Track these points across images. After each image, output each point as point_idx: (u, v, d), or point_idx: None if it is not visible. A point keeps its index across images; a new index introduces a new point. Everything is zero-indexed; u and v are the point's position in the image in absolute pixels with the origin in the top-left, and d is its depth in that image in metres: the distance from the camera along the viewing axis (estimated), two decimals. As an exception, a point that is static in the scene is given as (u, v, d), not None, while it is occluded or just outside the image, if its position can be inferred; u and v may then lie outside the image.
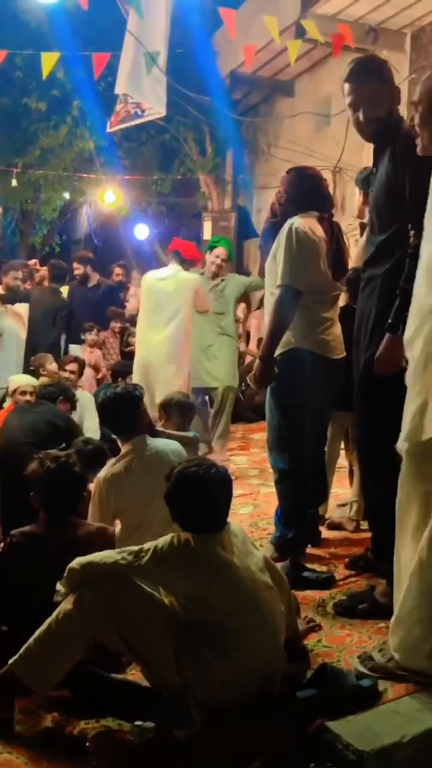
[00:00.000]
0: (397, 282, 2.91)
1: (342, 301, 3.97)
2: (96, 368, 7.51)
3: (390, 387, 2.83)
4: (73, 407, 5.31)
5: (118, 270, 9.63)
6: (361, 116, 3.16)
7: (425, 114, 2.63)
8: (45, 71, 7.73)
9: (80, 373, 6.63)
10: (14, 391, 5.80)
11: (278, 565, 2.97)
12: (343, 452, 4.66)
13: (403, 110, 3.30)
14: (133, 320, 8.44)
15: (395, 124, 3.14)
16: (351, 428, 4.21)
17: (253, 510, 4.85)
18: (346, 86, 3.20)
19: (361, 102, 3.15)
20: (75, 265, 8.19)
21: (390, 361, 2.93)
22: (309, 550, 3.92)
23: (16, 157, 11.51)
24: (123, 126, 9.48)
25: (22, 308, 8.03)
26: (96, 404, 3.78)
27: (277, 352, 3.71)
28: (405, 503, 2.61)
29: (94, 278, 8.15)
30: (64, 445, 3.90)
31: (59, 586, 2.53)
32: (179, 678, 2.44)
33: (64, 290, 8.28)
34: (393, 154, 3.05)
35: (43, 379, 6.66)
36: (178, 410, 4.45)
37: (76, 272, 8.12)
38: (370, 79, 3.16)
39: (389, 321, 2.92)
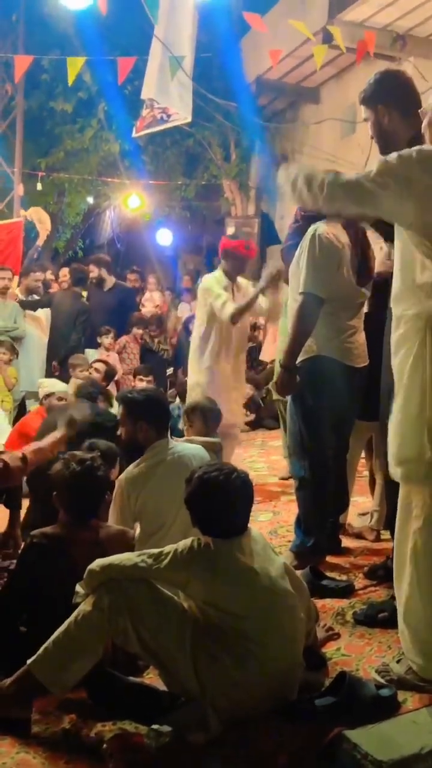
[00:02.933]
0: None
1: (366, 308, 3.96)
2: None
3: None
4: (111, 406, 5.36)
5: (131, 276, 9.69)
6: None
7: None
8: (71, 76, 7.81)
9: (106, 379, 6.66)
10: (49, 395, 5.86)
11: (298, 572, 2.97)
12: (364, 461, 4.65)
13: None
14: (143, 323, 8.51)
15: (399, 142, 3.14)
16: (375, 436, 4.20)
17: (273, 517, 4.85)
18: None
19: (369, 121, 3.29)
20: (90, 267, 8.24)
21: None
22: (329, 558, 3.92)
23: (41, 159, 11.61)
24: (149, 131, 9.55)
25: (43, 313, 8.12)
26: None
27: (300, 359, 3.71)
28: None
29: (110, 281, 8.18)
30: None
31: (79, 588, 2.55)
32: (197, 682, 2.44)
33: (84, 294, 8.34)
34: None
35: (76, 382, 6.73)
36: (202, 416, 4.44)
37: (91, 275, 8.16)
38: (365, 103, 3.27)
39: None
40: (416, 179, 2.48)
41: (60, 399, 5.87)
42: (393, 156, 2.52)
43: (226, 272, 5.35)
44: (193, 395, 5.25)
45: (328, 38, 8.47)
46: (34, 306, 8.05)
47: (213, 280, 5.34)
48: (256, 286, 5.28)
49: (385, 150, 3.28)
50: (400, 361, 2.61)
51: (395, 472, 2.63)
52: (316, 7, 9.10)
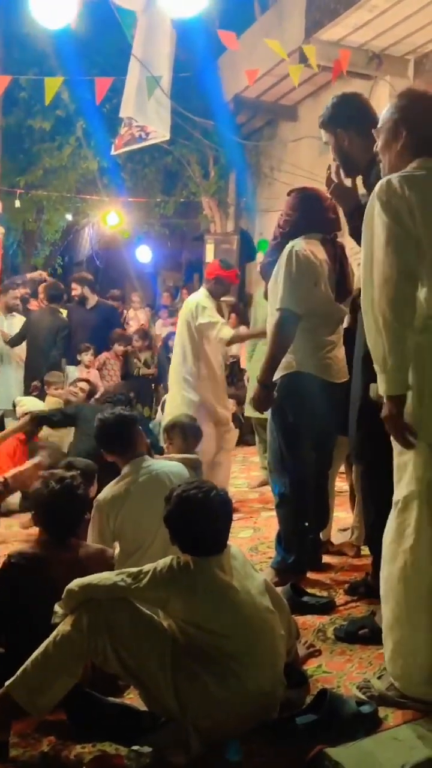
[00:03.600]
0: None
1: (346, 323, 3.98)
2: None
3: None
4: None
5: (114, 294, 9.67)
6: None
7: (385, 142, 2.71)
8: (48, 96, 7.80)
9: (88, 397, 6.64)
10: (26, 415, 5.83)
11: (278, 589, 2.97)
12: (345, 476, 4.66)
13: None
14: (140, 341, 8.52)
15: (360, 163, 3.30)
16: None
17: (254, 534, 4.85)
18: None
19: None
20: (73, 285, 8.21)
21: None
22: (309, 574, 3.92)
23: (19, 177, 11.61)
24: (127, 149, 9.57)
25: (17, 328, 8.09)
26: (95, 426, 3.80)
27: (278, 375, 3.73)
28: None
29: (93, 300, 8.17)
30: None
31: (57, 608, 2.53)
32: (177, 702, 2.42)
33: (64, 312, 8.32)
34: (365, 184, 3.25)
35: (51, 399, 6.73)
36: (182, 433, 4.45)
37: (73, 293, 8.14)
38: (325, 126, 3.43)
39: None
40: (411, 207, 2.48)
41: None
42: (383, 218, 2.51)
43: (212, 293, 5.56)
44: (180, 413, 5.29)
45: (304, 58, 8.56)
46: (20, 341, 8.00)
47: (205, 300, 5.50)
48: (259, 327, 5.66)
49: (347, 171, 3.36)
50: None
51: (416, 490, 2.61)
52: (292, 26, 9.20)
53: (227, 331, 5.38)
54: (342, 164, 3.36)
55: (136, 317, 9.95)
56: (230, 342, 5.50)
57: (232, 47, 7.85)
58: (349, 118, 3.33)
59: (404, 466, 2.61)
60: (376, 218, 2.52)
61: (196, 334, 5.45)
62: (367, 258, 2.57)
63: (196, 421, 4.71)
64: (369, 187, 3.19)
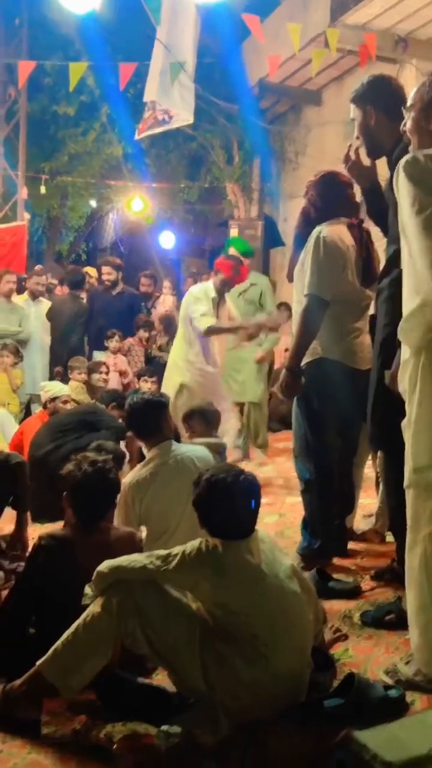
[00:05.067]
0: (400, 292, 2.95)
1: (372, 310, 3.97)
2: (123, 374, 7.58)
3: (403, 402, 2.86)
4: None
5: (144, 280, 9.69)
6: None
7: (416, 121, 2.70)
8: (72, 82, 7.85)
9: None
10: (54, 399, 5.90)
11: (305, 574, 2.99)
12: (370, 462, 4.66)
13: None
14: (160, 326, 8.54)
15: (385, 143, 3.30)
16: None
17: (279, 519, 4.87)
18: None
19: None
20: (106, 269, 8.23)
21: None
22: (335, 560, 3.93)
23: (44, 163, 11.64)
24: (150, 132, 9.60)
25: (45, 307, 8.18)
26: (124, 409, 3.86)
27: (305, 361, 3.73)
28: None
29: (120, 286, 8.22)
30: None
31: (87, 589, 2.57)
32: (205, 684, 2.45)
33: (84, 298, 8.37)
34: (389, 164, 3.22)
35: (74, 384, 6.78)
36: (202, 419, 4.46)
37: (107, 277, 8.17)
38: (354, 102, 3.43)
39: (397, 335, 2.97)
40: None
41: (65, 402, 5.92)
42: (413, 191, 2.51)
43: (215, 286, 5.71)
44: (180, 397, 5.43)
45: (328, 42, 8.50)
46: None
47: (202, 292, 5.67)
48: (242, 321, 5.87)
49: (370, 151, 3.37)
50: (411, 370, 2.60)
51: (409, 477, 2.62)
52: (318, 10, 9.11)
53: (204, 322, 5.48)
54: (366, 143, 3.39)
55: (164, 302, 9.96)
56: (207, 333, 5.56)
57: (256, 32, 7.82)
58: (380, 98, 3.35)
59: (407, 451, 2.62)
60: (402, 190, 2.51)
61: (189, 324, 5.64)
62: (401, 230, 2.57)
63: (213, 405, 4.74)
64: (393, 169, 3.17)
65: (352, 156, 3.45)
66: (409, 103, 2.75)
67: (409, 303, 2.55)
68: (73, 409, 5.82)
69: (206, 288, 5.74)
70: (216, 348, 5.86)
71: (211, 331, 5.56)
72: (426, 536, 2.58)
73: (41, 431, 5.44)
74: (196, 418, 4.47)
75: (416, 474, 2.58)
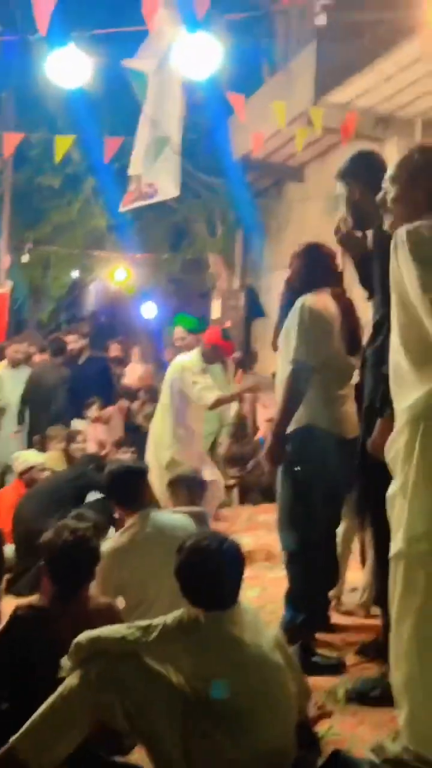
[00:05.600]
0: (383, 362, 3.01)
1: (356, 378, 4.02)
2: (101, 445, 7.55)
3: (388, 471, 2.89)
4: None
5: (114, 346, 9.81)
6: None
7: (403, 191, 2.79)
8: (58, 154, 8.03)
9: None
10: (30, 469, 5.87)
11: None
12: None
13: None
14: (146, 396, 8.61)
15: (372, 217, 3.33)
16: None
17: (261, 593, 4.80)
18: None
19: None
20: (73, 338, 8.39)
21: (383, 445, 2.99)
22: (319, 635, 3.87)
23: (28, 232, 11.83)
24: (135, 205, 9.76)
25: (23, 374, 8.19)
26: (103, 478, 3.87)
27: (290, 429, 3.74)
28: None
29: (87, 352, 8.33)
30: None
31: (65, 661, 2.51)
32: (186, 762, 2.39)
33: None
34: (374, 234, 3.33)
35: (54, 455, 6.75)
36: (186, 488, 4.47)
37: (73, 346, 8.31)
38: (340, 178, 3.57)
39: (377, 405, 3.02)
40: None
41: (41, 470, 5.90)
42: (413, 264, 2.56)
43: (204, 357, 5.77)
44: (172, 471, 5.34)
45: (311, 120, 8.80)
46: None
47: (190, 363, 5.71)
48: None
49: (357, 223, 3.49)
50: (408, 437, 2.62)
51: (400, 547, 2.60)
52: (302, 89, 9.47)
53: (210, 395, 5.53)
54: (353, 216, 3.49)
55: (133, 369, 10.08)
56: (213, 406, 5.63)
57: (239, 111, 8.08)
58: (364, 173, 3.47)
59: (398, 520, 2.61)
60: (402, 264, 2.57)
61: (176, 395, 5.63)
62: (397, 301, 2.63)
63: (199, 474, 4.75)
64: (377, 241, 3.27)
65: (343, 227, 3.56)
66: (391, 174, 2.84)
67: (408, 369, 2.58)
68: (60, 475, 5.76)
69: (196, 358, 5.76)
70: (199, 424, 5.88)
71: (220, 402, 5.65)
72: (418, 608, 2.55)
73: (29, 503, 5.34)
74: (181, 486, 4.47)
75: (409, 544, 2.55)
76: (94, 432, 7.51)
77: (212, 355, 5.83)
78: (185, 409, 5.63)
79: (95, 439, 7.40)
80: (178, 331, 6.59)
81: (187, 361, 5.75)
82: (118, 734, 2.59)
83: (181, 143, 9.20)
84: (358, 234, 3.62)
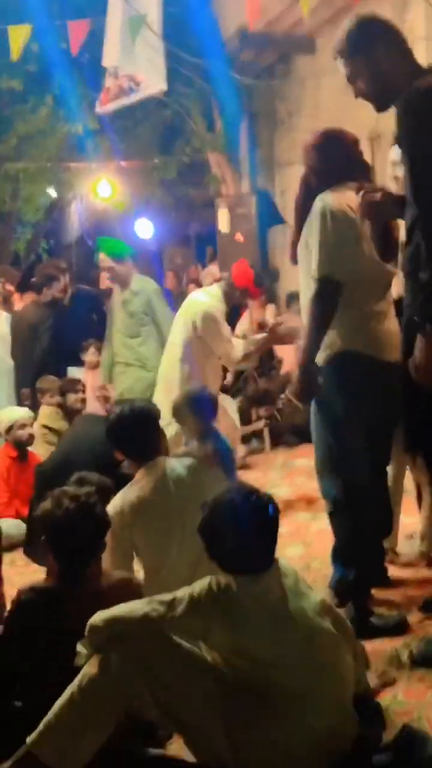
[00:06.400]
0: (420, 268, 3.01)
1: (395, 291, 3.99)
2: (105, 398, 7.59)
3: None
4: None
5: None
6: (356, 92, 3.50)
7: None
8: (14, 49, 7.85)
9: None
10: (9, 428, 5.97)
11: (339, 611, 3.01)
12: (409, 474, 4.68)
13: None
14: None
15: (401, 83, 3.28)
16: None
17: (304, 550, 4.89)
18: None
19: (350, 79, 3.49)
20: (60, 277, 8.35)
21: (428, 367, 3.01)
22: (375, 592, 3.95)
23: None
24: (116, 105, 9.62)
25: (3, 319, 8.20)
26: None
27: (321, 357, 3.75)
28: None
29: (69, 289, 8.33)
30: None
31: (80, 648, 2.58)
32: (230, 748, 2.47)
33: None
34: (397, 120, 3.25)
35: (47, 410, 6.82)
36: (193, 410, 4.36)
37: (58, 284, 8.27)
38: (352, 54, 3.41)
39: (416, 319, 3.02)
40: None
41: (22, 427, 5.99)
42: None
43: (227, 298, 5.73)
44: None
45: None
46: None
47: (216, 310, 5.63)
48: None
49: (381, 101, 3.40)
50: None
51: None
52: None
53: (237, 350, 5.61)
54: (375, 94, 3.40)
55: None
56: (243, 361, 5.77)
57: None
58: (382, 35, 3.37)
59: None
60: None
61: (195, 342, 5.61)
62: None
63: (205, 390, 4.73)
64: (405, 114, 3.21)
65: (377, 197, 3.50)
66: None
67: None
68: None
69: (217, 300, 5.71)
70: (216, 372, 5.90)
71: (247, 358, 5.75)
72: None
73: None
74: (187, 409, 4.35)
75: None
76: (93, 380, 7.55)
77: (237, 299, 5.84)
78: (204, 361, 5.64)
79: (94, 389, 7.42)
80: (102, 259, 6.48)
81: (212, 307, 5.66)
82: (150, 724, 2.68)
83: (163, 21, 9.02)
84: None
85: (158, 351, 6.26)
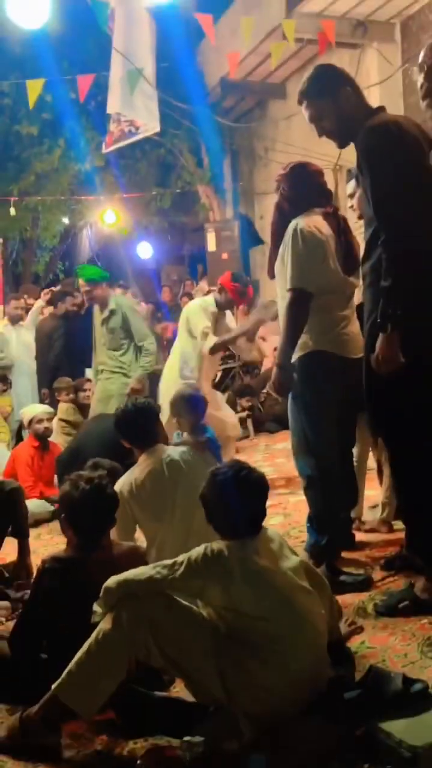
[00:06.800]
0: (381, 278, 3.02)
1: (357, 298, 3.99)
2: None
3: (395, 385, 3.03)
4: None
5: (117, 290, 9.75)
6: (319, 131, 3.48)
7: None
8: (31, 99, 7.83)
9: None
10: (30, 422, 5.97)
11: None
12: (371, 452, 4.68)
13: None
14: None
15: (359, 121, 3.27)
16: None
17: (284, 519, 4.89)
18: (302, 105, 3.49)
19: (314, 119, 3.47)
20: (72, 297, 8.31)
21: (387, 360, 3.02)
22: (344, 553, 3.95)
23: (12, 185, 11.67)
24: (118, 145, 9.62)
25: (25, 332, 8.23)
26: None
27: (295, 356, 3.75)
28: None
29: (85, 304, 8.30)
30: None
31: (96, 607, 2.59)
32: (224, 690, 2.48)
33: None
34: (357, 153, 3.25)
35: (63, 407, 6.83)
36: (187, 405, 4.34)
37: (72, 301, 8.24)
38: (317, 97, 3.41)
39: (378, 320, 3.03)
40: None
41: (39, 421, 5.98)
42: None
43: (218, 303, 5.76)
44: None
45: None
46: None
47: (199, 308, 5.72)
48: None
49: (343, 137, 3.40)
50: None
51: None
52: (273, 3, 9.18)
53: (208, 341, 5.56)
54: (338, 131, 3.40)
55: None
56: (212, 352, 5.65)
57: (209, 31, 7.86)
58: (342, 78, 3.39)
59: None
60: None
61: (186, 336, 5.69)
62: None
63: (197, 390, 4.72)
64: (363, 147, 3.21)
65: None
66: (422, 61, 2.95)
67: None
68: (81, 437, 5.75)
69: (206, 302, 5.80)
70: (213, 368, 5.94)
71: (215, 349, 5.65)
72: None
73: None
74: (182, 405, 4.33)
75: None
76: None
77: (226, 302, 5.79)
78: (194, 352, 5.67)
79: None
80: (82, 284, 6.42)
81: (197, 306, 5.78)
82: (156, 671, 2.69)
83: (156, 73, 9.01)
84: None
85: (136, 358, 6.22)
